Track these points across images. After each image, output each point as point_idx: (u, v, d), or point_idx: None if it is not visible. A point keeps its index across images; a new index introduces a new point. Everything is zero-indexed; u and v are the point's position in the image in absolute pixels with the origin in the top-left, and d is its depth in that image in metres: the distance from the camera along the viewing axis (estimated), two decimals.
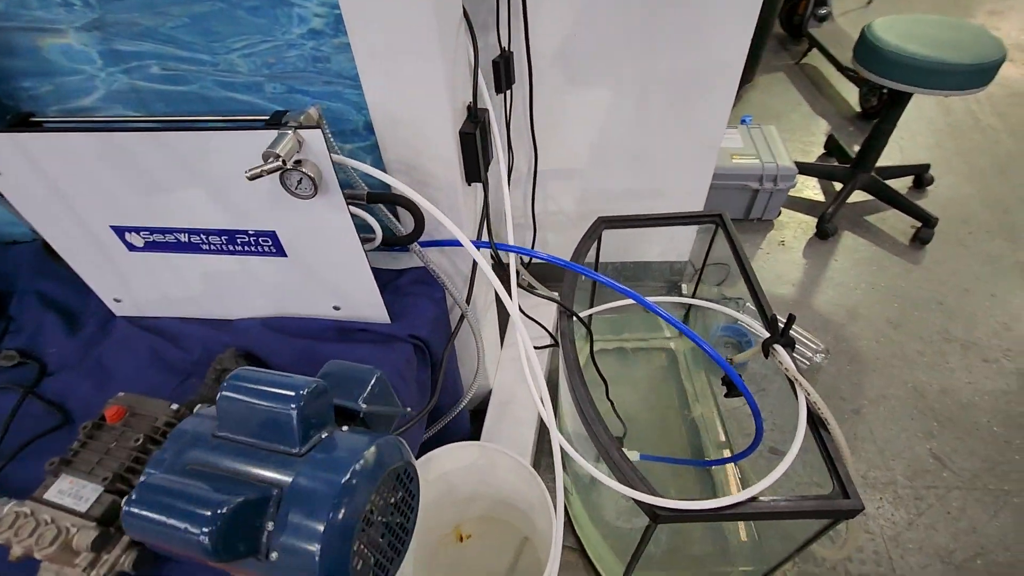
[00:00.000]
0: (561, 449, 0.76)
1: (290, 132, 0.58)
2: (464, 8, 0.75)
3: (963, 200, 1.96)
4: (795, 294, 1.67)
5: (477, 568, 1.09)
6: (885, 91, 2.08)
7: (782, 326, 0.79)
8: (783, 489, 1.08)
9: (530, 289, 1.25)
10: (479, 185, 0.89)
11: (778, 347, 0.79)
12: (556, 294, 0.95)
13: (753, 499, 0.67)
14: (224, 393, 0.49)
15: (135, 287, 0.83)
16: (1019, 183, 2.02)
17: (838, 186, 1.92)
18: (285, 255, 0.74)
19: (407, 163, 0.78)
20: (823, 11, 2.52)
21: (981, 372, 1.45)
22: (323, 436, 0.49)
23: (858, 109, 2.40)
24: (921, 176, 2.00)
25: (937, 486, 1.25)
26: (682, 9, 1.07)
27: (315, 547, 0.43)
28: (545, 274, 1.39)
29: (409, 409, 0.66)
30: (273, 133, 0.58)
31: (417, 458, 0.91)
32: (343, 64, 0.71)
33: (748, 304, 0.96)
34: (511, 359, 1.30)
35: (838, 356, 1.50)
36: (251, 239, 0.73)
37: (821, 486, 0.70)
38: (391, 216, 0.80)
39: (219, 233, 0.73)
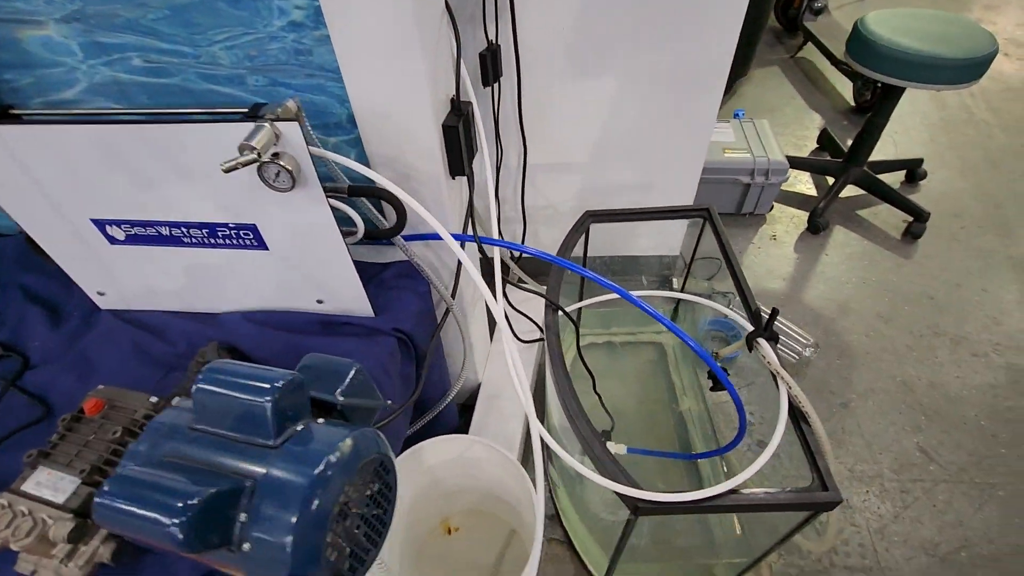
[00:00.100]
0: (545, 443, 0.77)
1: (267, 125, 0.58)
2: (447, 0, 0.74)
3: (955, 195, 1.96)
4: (786, 288, 1.68)
5: (465, 561, 1.10)
6: (879, 85, 2.08)
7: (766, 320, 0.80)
8: (769, 482, 1.09)
9: (518, 283, 1.25)
10: (464, 179, 0.89)
11: (761, 341, 0.79)
12: (544, 288, 0.95)
13: (733, 491, 0.67)
14: (200, 385, 0.49)
15: (119, 281, 0.82)
16: (1011, 178, 2.02)
17: (830, 180, 1.92)
18: (267, 248, 0.74)
19: (390, 156, 0.78)
20: (819, 4, 2.51)
21: (970, 366, 1.46)
22: (299, 428, 0.49)
23: (852, 103, 2.39)
24: (914, 170, 2.00)
25: (923, 479, 1.25)
26: (671, 1, 1.06)
27: (287, 538, 0.43)
28: (536, 268, 1.39)
29: (390, 402, 0.66)
30: (250, 126, 0.58)
31: (403, 451, 0.91)
32: (325, 57, 0.70)
33: (738, 298, 0.96)
34: (500, 353, 1.30)
35: (828, 350, 1.50)
36: (232, 232, 0.73)
37: (808, 479, 0.70)
38: (374, 209, 0.80)
39: (200, 227, 0.72)
